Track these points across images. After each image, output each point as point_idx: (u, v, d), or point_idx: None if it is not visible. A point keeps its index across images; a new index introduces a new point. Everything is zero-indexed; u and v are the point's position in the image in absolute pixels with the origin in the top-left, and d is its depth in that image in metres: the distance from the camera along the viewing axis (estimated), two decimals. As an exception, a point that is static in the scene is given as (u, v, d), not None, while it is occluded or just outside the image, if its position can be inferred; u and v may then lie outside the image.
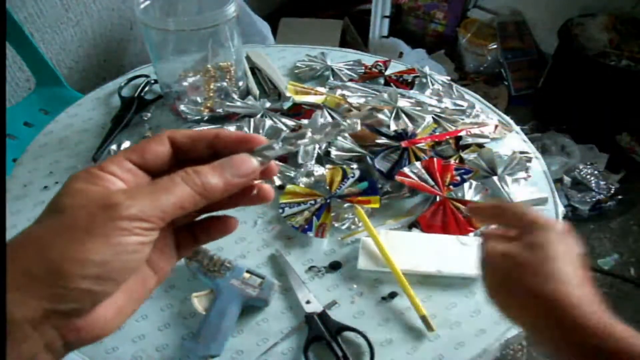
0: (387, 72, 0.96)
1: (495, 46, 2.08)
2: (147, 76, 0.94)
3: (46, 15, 1.36)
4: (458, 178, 0.72)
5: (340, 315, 0.59)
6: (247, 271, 0.60)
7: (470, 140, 0.79)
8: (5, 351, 0.20)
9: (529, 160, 0.77)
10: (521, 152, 0.78)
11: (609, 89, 1.72)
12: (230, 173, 0.27)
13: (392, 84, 0.93)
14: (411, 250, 0.63)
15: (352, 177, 0.72)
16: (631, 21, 1.79)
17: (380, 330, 0.58)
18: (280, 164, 0.75)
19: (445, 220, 0.68)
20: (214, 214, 0.32)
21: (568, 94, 1.88)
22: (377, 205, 0.69)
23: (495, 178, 0.73)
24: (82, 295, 0.23)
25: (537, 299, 0.38)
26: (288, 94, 0.88)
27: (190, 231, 0.32)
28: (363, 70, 0.97)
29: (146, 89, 0.92)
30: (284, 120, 0.83)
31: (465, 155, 0.77)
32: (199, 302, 0.57)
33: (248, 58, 0.98)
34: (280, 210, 0.69)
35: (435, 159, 0.73)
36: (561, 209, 0.71)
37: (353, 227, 0.68)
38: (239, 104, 0.86)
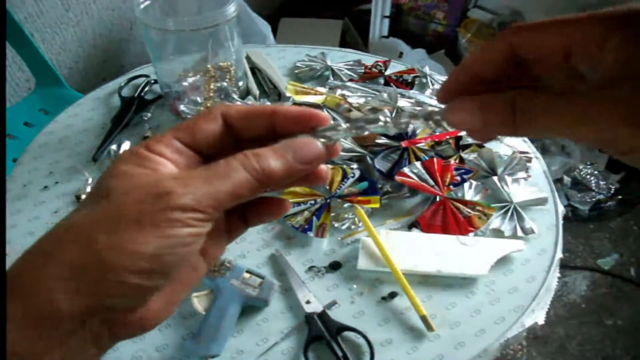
0: (387, 72, 0.96)
1: (495, 46, 2.08)
2: (147, 76, 0.94)
3: (46, 15, 1.36)
4: (458, 178, 0.72)
5: (340, 315, 0.59)
6: (247, 271, 0.60)
7: (470, 140, 0.79)
8: (6, 350, 0.20)
9: (529, 160, 0.77)
10: (521, 152, 0.78)
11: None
12: (293, 157, 0.25)
13: (392, 84, 0.93)
14: (411, 250, 0.63)
15: (352, 177, 0.72)
16: (631, 21, 1.79)
17: (380, 330, 0.58)
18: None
19: (445, 220, 0.68)
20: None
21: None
22: (377, 205, 0.69)
23: (495, 178, 0.73)
24: (132, 290, 0.21)
25: None
26: (288, 94, 0.88)
27: (240, 213, 0.29)
28: (363, 70, 0.97)
29: (146, 89, 0.92)
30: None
31: (465, 155, 0.77)
32: (199, 302, 0.57)
33: (248, 58, 0.98)
34: (280, 210, 0.69)
35: (435, 159, 0.73)
36: (561, 209, 0.71)
37: (353, 227, 0.68)
38: (239, 104, 0.86)
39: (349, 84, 0.91)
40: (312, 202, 0.70)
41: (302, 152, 0.25)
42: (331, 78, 0.95)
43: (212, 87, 0.87)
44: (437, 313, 0.59)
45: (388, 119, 0.27)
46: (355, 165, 0.74)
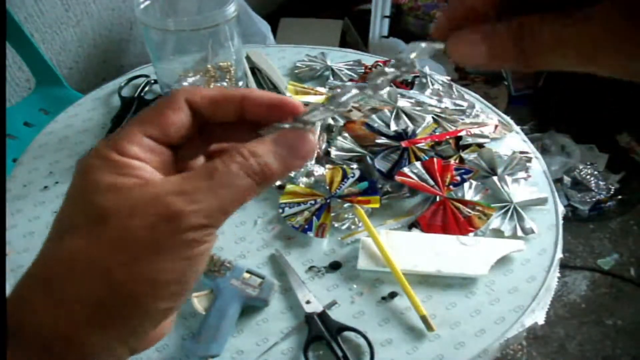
0: (387, 72, 0.96)
1: (495, 46, 2.08)
2: (147, 76, 0.94)
3: (46, 15, 1.36)
4: (458, 178, 0.72)
5: (340, 315, 0.59)
6: (247, 271, 0.60)
7: (470, 140, 0.79)
8: (6, 351, 0.19)
9: (529, 160, 0.77)
10: (521, 152, 0.78)
11: (609, 89, 1.72)
12: (289, 154, 0.23)
13: (392, 83, 0.93)
14: (411, 250, 0.63)
15: (352, 177, 0.72)
16: (631, 21, 1.79)
17: (380, 330, 0.58)
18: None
19: (445, 220, 0.68)
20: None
21: (568, 94, 1.88)
22: (377, 205, 0.69)
23: (495, 178, 0.73)
24: (160, 315, 0.21)
25: None
26: (288, 94, 0.88)
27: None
28: (363, 70, 0.97)
29: (146, 89, 0.92)
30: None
31: (465, 155, 0.77)
32: (198, 302, 0.57)
33: (248, 58, 0.98)
34: (280, 210, 0.69)
35: (435, 159, 0.73)
36: (561, 209, 0.71)
37: (353, 227, 0.68)
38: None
39: (349, 84, 0.91)
40: (312, 202, 0.70)
41: (297, 147, 0.23)
42: (331, 78, 0.95)
43: (212, 87, 0.87)
44: (437, 313, 0.59)
45: (364, 86, 0.25)
46: (355, 165, 0.74)
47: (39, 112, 1.25)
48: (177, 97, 0.24)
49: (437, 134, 0.79)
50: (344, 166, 0.74)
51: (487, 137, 0.81)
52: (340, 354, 0.54)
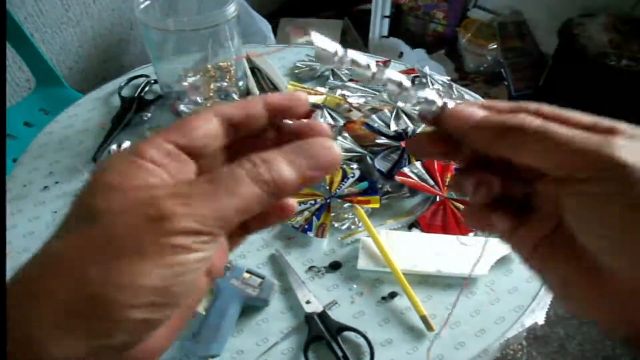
0: (387, 72, 0.96)
1: (495, 46, 2.08)
2: (147, 76, 0.94)
3: (46, 15, 1.36)
4: (458, 178, 0.72)
5: (340, 315, 0.59)
6: (247, 271, 0.60)
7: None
8: (6, 351, 0.18)
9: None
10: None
11: (609, 89, 1.72)
12: (308, 164, 0.21)
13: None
14: (411, 250, 0.63)
15: (352, 177, 0.72)
16: (631, 21, 1.79)
17: (380, 330, 0.58)
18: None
19: (445, 220, 0.68)
20: None
21: (568, 94, 1.87)
22: (377, 205, 0.69)
23: (495, 178, 0.73)
24: (137, 326, 0.19)
25: None
26: (288, 94, 0.88)
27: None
28: (363, 70, 0.97)
29: (146, 89, 0.92)
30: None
31: (465, 155, 0.77)
32: (199, 302, 0.57)
33: (248, 58, 0.98)
34: (280, 210, 0.69)
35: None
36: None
37: (353, 227, 0.68)
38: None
39: (349, 84, 0.91)
40: (312, 202, 0.70)
41: (319, 157, 0.21)
42: (331, 78, 0.95)
43: (212, 87, 0.87)
44: (437, 313, 0.59)
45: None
46: (355, 165, 0.74)
47: (39, 112, 1.25)
48: (205, 109, 0.23)
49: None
50: (344, 166, 0.74)
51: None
52: (340, 354, 0.54)
